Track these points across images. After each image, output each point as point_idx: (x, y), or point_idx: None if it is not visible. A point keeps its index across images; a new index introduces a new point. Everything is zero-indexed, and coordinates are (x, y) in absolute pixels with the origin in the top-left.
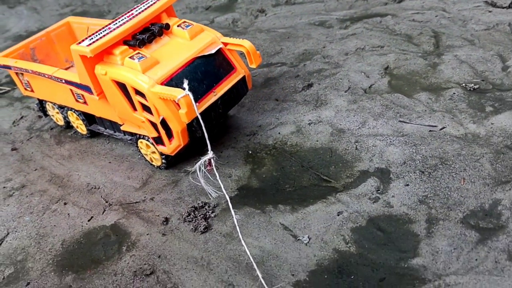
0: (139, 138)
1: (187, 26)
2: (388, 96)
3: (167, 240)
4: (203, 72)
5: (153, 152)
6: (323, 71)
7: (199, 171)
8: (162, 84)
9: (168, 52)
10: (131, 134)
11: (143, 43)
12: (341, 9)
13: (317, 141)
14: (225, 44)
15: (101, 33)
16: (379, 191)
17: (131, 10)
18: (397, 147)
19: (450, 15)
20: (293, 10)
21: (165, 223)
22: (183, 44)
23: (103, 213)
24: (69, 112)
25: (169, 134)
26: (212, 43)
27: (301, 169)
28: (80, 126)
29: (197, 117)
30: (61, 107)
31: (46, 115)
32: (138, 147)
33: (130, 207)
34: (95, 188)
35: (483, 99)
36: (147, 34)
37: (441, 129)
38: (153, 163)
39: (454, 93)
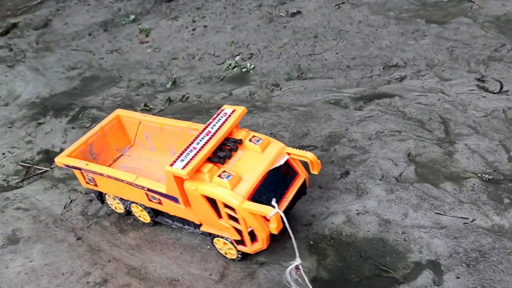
0: (215, 237)
1: (257, 141)
2: (418, 186)
3: None
4: (276, 181)
5: (230, 248)
6: (353, 156)
7: (290, 276)
8: (248, 199)
9: (245, 166)
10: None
11: (224, 160)
12: (350, 87)
13: (368, 231)
14: (289, 153)
15: (188, 153)
16: (435, 283)
17: (206, 127)
18: (440, 240)
19: (450, 98)
20: (306, 85)
21: None
22: (257, 158)
23: None
24: (133, 205)
25: (252, 238)
26: (280, 154)
27: (361, 259)
28: (143, 216)
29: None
30: (123, 199)
31: (103, 202)
32: (212, 242)
33: None
34: (175, 280)
35: (499, 190)
36: (226, 151)
37: (472, 221)
38: (226, 256)
39: (474, 184)
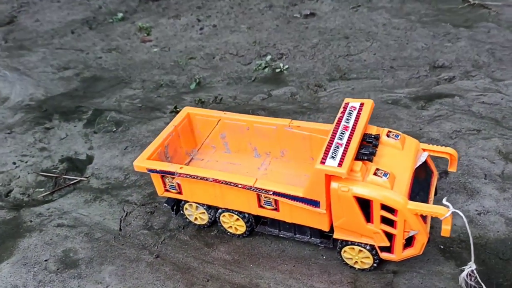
0: (347, 245)
1: (396, 136)
2: None
3: None
4: (421, 180)
5: (366, 257)
6: (440, 158)
7: (465, 283)
8: (408, 198)
9: (392, 164)
10: (326, 239)
11: (371, 157)
12: (400, 87)
13: (498, 231)
14: (424, 149)
15: (336, 150)
16: None
17: (339, 121)
18: None
19: (511, 97)
20: (352, 85)
21: None
22: (400, 155)
23: None
24: (226, 214)
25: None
26: (417, 151)
27: (501, 261)
28: (236, 227)
29: None
30: (210, 208)
31: (177, 213)
32: (340, 252)
33: None
34: None
35: None
36: (369, 148)
37: None
38: (355, 266)
39: None
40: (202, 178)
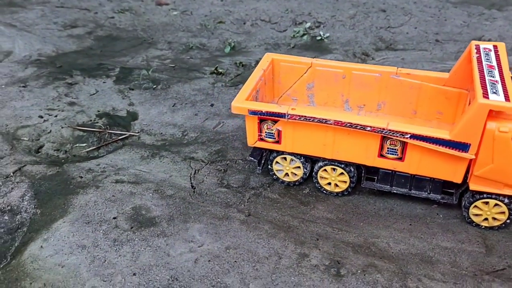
0: (480, 198)
1: None
2: None
3: None
4: None
5: (501, 212)
6: None
7: None
8: None
9: None
10: (447, 195)
11: None
12: (450, 59)
13: None
14: None
15: (493, 86)
16: None
17: (480, 62)
18: None
19: None
20: (401, 56)
21: None
22: None
23: (486, 287)
24: (327, 168)
25: None
26: None
27: None
28: (337, 183)
29: None
30: (307, 162)
31: (262, 167)
32: (468, 207)
33: (506, 276)
34: (428, 256)
35: None
36: None
37: None
38: (481, 224)
39: None
40: (321, 120)
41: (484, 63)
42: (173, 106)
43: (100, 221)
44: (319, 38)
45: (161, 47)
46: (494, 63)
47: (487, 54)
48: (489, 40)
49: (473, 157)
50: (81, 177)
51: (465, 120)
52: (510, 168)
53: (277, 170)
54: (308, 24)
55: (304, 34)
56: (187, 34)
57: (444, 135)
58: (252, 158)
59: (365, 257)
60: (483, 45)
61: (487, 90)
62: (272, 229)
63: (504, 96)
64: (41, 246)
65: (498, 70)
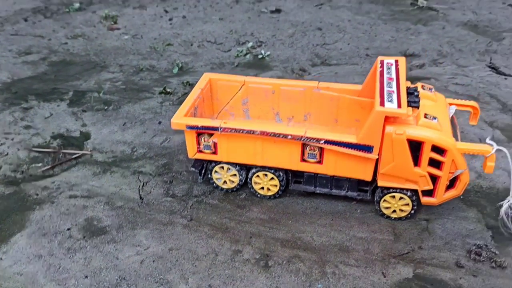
0: (387, 193)
1: (430, 89)
2: None
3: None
4: (453, 129)
5: (405, 204)
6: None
7: (507, 218)
8: None
9: (433, 112)
10: (362, 192)
11: (419, 104)
12: None
13: (504, 182)
14: (452, 103)
15: (389, 95)
16: None
17: (382, 75)
18: None
19: (479, 80)
20: (335, 70)
21: (459, 266)
22: (435, 105)
23: (392, 269)
24: (260, 174)
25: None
26: (446, 104)
27: None
28: (269, 187)
29: None
30: (242, 169)
31: (203, 177)
32: (379, 201)
33: (409, 259)
34: (345, 246)
35: None
36: (413, 97)
37: None
38: (391, 215)
39: None
40: (249, 132)
41: (385, 76)
42: (123, 125)
43: (55, 232)
44: (260, 56)
45: (113, 70)
46: (394, 76)
47: (389, 68)
48: (413, 53)
49: (377, 157)
50: (37, 195)
51: (367, 125)
52: (408, 165)
53: (216, 179)
54: (251, 44)
55: (247, 53)
56: (138, 57)
57: (352, 139)
58: (194, 169)
59: (291, 250)
60: (387, 60)
61: (384, 99)
62: (211, 231)
63: (397, 104)
64: (1, 258)
65: (396, 82)
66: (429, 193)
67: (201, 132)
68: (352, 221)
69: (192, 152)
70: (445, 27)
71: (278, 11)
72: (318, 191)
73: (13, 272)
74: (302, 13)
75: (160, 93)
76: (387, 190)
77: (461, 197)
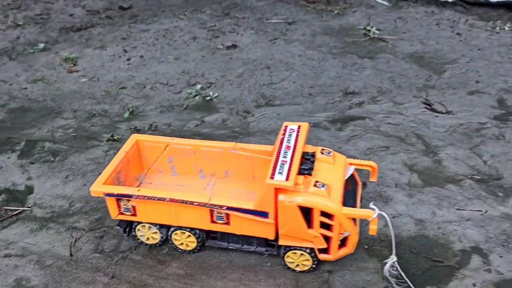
0: (289, 250)
1: (328, 153)
2: (430, 189)
3: None
4: (349, 190)
5: (306, 259)
6: (360, 171)
7: (389, 273)
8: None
9: (327, 177)
10: (270, 247)
11: (310, 172)
12: (319, 111)
13: (409, 230)
14: (352, 164)
15: (281, 167)
16: (486, 264)
17: (281, 142)
18: (472, 230)
19: (411, 118)
20: (277, 111)
21: None
22: (332, 169)
23: None
24: (178, 232)
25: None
26: (346, 165)
27: (413, 254)
28: (187, 243)
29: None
30: (162, 227)
31: (129, 235)
32: (283, 257)
33: None
34: None
35: (490, 186)
36: (309, 163)
37: (485, 212)
38: (296, 269)
39: (470, 184)
40: (160, 199)
41: (284, 143)
42: (65, 178)
43: None
44: (208, 98)
45: (67, 116)
46: (292, 143)
47: (290, 135)
48: (353, 91)
49: (273, 221)
50: None
51: (261, 195)
52: (302, 228)
53: (140, 236)
54: (199, 86)
55: (196, 95)
56: (92, 101)
57: (250, 206)
58: (119, 227)
59: None
60: (290, 125)
61: (275, 171)
62: None
63: (286, 176)
64: None
65: (292, 151)
66: (325, 250)
67: (119, 198)
68: (261, 274)
69: (114, 214)
70: (390, 61)
71: (234, 46)
72: (231, 247)
73: None
74: (255, 49)
75: (108, 140)
76: (289, 247)
77: (366, 246)
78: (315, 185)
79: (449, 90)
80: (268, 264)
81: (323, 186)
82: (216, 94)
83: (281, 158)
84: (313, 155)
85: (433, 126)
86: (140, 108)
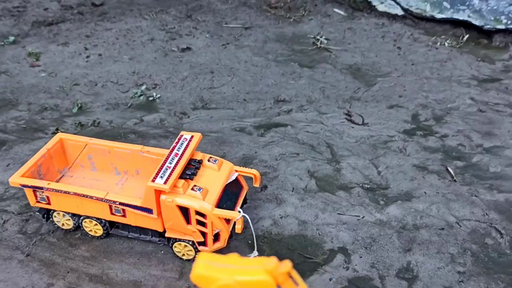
0: (176, 241)
1: (214, 161)
2: (321, 195)
3: None
4: (229, 193)
5: (189, 250)
6: (267, 174)
7: None
8: (215, 206)
9: (208, 181)
10: (163, 238)
11: (192, 177)
12: (249, 117)
13: (291, 230)
14: (237, 170)
15: (165, 171)
16: (346, 262)
17: (172, 150)
18: (344, 232)
19: (329, 128)
20: (211, 114)
21: None
22: (215, 174)
23: None
24: (86, 220)
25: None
26: (230, 171)
27: (289, 251)
28: (95, 230)
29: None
30: (74, 215)
31: (47, 220)
32: (172, 247)
33: None
34: (138, 282)
35: (376, 195)
36: (193, 169)
37: (362, 217)
38: (183, 257)
39: (358, 191)
40: (66, 192)
41: (174, 151)
42: (7, 166)
43: None
44: (151, 98)
45: (21, 108)
46: (181, 151)
47: (182, 143)
48: (284, 99)
49: (157, 217)
50: None
51: (144, 194)
52: (181, 223)
53: (56, 221)
54: (144, 86)
55: (141, 95)
56: (47, 95)
57: (137, 202)
58: (38, 213)
59: (95, 284)
60: (185, 135)
61: (158, 175)
62: (39, 266)
63: (165, 180)
64: None
65: (179, 158)
66: (204, 243)
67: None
68: (154, 260)
69: (32, 202)
70: (327, 71)
71: (188, 49)
72: (130, 236)
73: None
74: (206, 53)
75: (53, 133)
76: (175, 239)
77: (249, 241)
78: (192, 189)
79: (372, 103)
80: (162, 252)
81: (199, 189)
82: (159, 95)
83: (167, 164)
84: (200, 162)
85: (346, 136)
86: (88, 104)
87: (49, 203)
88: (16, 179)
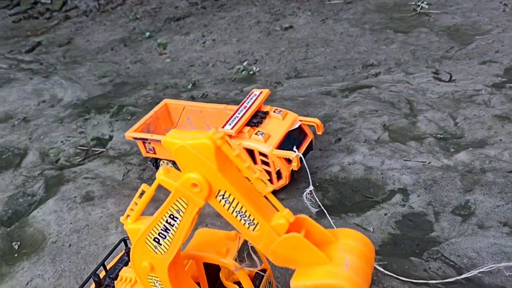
0: None
1: (279, 112)
2: (391, 145)
3: None
4: (293, 139)
5: None
6: (343, 129)
7: (306, 198)
8: (276, 148)
9: (272, 129)
10: None
11: (258, 124)
12: (337, 81)
13: (357, 175)
14: (301, 120)
15: (233, 120)
16: (404, 200)
17: (243, 103)
18: (407, 176)
19: (413, 86)
20: (302, 82)
21: None
22: (279, 123)
23: None
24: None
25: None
26: (294, 121)
27: (352, 192)
28: None
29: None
30: (174, 163)
31: (157, 168)
32: None
33: None
34: None
35: (447, 144)
36: (258, 118)
37: (428, 163)
38: None
39: (430, 141)
40: (157, 141)
41: (244, 105)
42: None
43: (68, 198)
44: (252, 72)
45: (149, 88)
46: (249, 104)
47: (251, 98)
48: (372, 63)
49: None
50: (69, 176)
51: None
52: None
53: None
54: (246, 62)
55: (243, 70)
56: (169, 76)
57: None
58: (149, 162)
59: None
60: (255, 91)
61: (227, 123)
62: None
63: (232, 126)
64: (37, 211)
65: (246, 110)
66: (270, 181)
67: (143, 140)
68: None
69: (143, 152)
70: (421, 35)
71: (291, 27)
72: None
73: (40, 218)
74: (305, 29)
75: None
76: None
77: (317, 184)
78: (256, 134)
79: (464, 60)
80: None
81: (261, 134)
82: (258, 69)
83: (236, 114)
84: (266, 112)
85: (430, 93)
86: (200, 81)
87: (155, 153)
88: (129, 133)
